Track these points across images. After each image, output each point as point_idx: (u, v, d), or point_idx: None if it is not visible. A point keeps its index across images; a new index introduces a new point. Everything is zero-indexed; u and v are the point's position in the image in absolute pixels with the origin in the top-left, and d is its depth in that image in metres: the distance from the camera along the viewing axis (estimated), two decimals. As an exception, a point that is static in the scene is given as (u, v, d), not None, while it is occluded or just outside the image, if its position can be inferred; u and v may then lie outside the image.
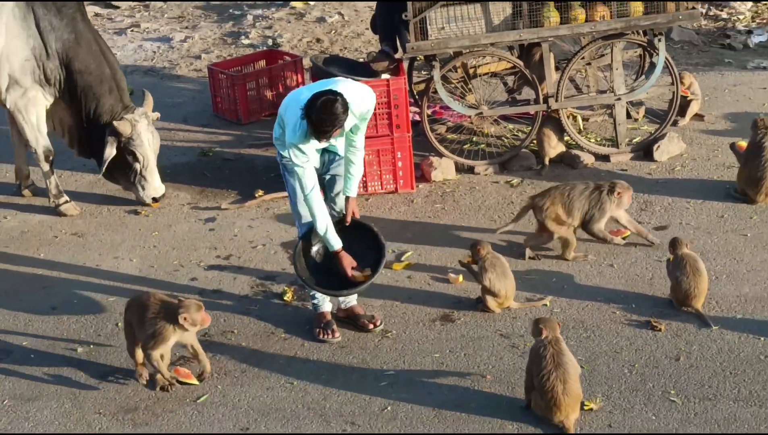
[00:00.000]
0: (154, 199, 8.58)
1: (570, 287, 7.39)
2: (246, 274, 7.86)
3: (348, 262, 6.75)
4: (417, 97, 9.32)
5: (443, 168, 9.05)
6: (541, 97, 9.02)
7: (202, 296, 7.57)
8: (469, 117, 9.33)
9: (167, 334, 6.21)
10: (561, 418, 5.87)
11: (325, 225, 6.66)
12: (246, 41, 12.32)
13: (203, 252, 8.17)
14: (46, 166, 8.72)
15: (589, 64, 9.41)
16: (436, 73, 8.94)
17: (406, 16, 8.67)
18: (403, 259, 7.86)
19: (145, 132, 8.34)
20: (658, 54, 9.01)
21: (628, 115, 9.36)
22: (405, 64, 9.28)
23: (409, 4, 8.59)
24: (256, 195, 8.90)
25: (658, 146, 9.14)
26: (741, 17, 12.23)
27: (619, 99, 9.12)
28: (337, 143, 6.83)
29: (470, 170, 9.11)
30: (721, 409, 6.13)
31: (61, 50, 8.37)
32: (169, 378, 6.43)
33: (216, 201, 8.88)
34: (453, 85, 9.35)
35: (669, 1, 8.81)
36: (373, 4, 10.30)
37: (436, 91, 9.02)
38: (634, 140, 9.27)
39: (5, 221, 8.82)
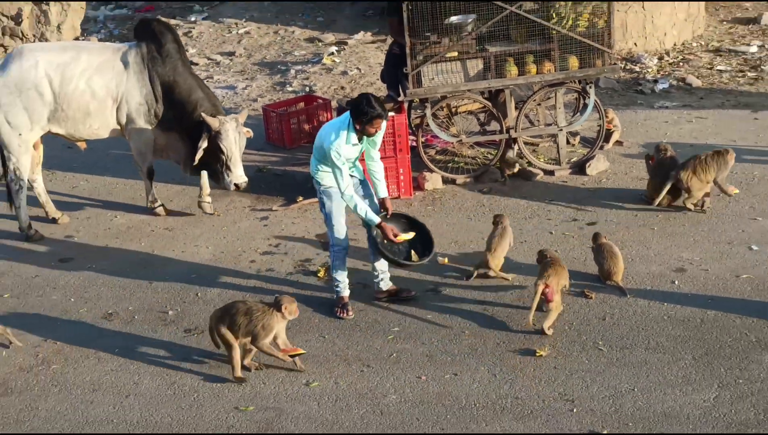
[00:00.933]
0: (236, 187, 8.17)
1: (528, 267, 7.38)
2: (290, 258, 7.87)
3: (389, 229, 6.74)
4: (414, 128, 9.32)
5: (433, 180, 9.06)
6: (504, 129, 9.02)
7: (258, 273, 7.62)
8: (452, 143, 9.33)
9: (273, 324, 6.01)
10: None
11: (364, 209, 6.65)
12: (290, 88, 12.32)
13: (259, 242, 8.18)
14: (147, 181, 8.65)
15: (539, 104, 9.43)
16: (428, 111, 8.95)
17: (406, 70, 8.70)
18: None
19: (232, 130, 8.01)
20: (589, 97, 9.02)
21: (568, 142, 9.35)
22: (405, 105, 9.28)
23: (408, 61, 8.61)
24: (298, 200, 8.90)
25: (590, 164, 9.12)
26: (649, 70, 12.21)
27: (561, 130, 9.10)
28: (357, 160, 6.84)
29: (453, 182, 9.10)
30: (636, 355, 6.15)
31: (165, 90, 8.24)
32: (282, 356, 6.18)
33: (268, 204, 8.90)
34: (440, 120, 9.36)
35: (597, 59, 8.83)
36: (382, 61, 10.31)
37: (428, 124, 9.04)
38: (572, 160, 9.24)
39: (116, 219, 8.85)
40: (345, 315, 6.93)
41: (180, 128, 8.33)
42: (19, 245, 8.38)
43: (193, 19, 15.89)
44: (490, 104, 9.08)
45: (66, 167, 10.20)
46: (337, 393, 5.96)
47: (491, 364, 6.16)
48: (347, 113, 6.66)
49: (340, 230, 6.88)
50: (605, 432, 5.40)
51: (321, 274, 7.53)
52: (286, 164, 9.91)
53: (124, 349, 6.61)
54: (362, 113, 6.47)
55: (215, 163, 8.15)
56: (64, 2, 14.88)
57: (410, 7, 8.42)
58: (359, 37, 14.18)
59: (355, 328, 6.70)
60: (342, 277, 6.94)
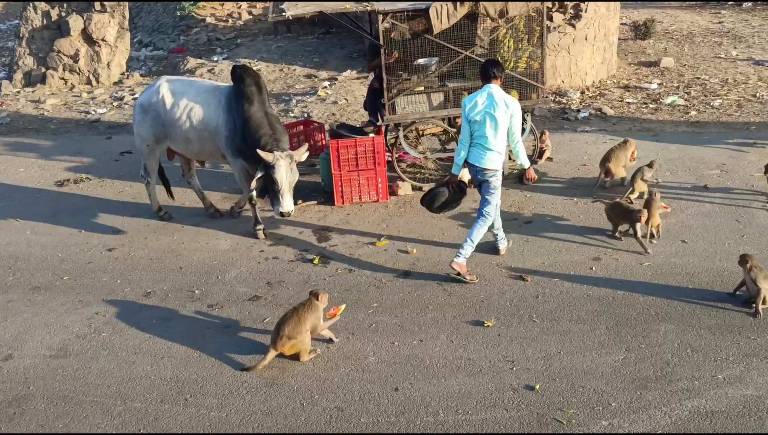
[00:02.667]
0: (281, 214, 7.59)
1: (478, 256, 7.39)
2: (292, 248, 7.84)
3: (453, 179, 7.18)
4: (389, 147, 9.32)
5: (405, 188, 9.04)
6: (460, 147, 9.04)
7: (266, 261, 7.59)
8: (420, 158, 9.34)
9: (320, 313, 5.91)
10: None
11: (460, 158, 7.00)
12: (292, 114, 12.27)
13: (269, 235, 8.15)
14: (248, 205, 8.26)
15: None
16: (401, 134, 8.95)
17: (383, 101, 8.69)
18: (381, 240, 7.81)
19: (284, 166, 7.47)
20: (527, 123, 9.05)
21: (510, 158, 9.37)
22: (383, 128, 9.28)
23: (385, 94, 8.61)
24: (298, 203, 8.84)
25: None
26: (573, 102, 12.27)
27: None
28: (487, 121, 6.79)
29: (420, 189, 9.05)
30: (562, 325, 6.17)
31: (243, 126, 7.75)
32: (331, 323, 6.11)
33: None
34: (410, 140, 9.36)
35: (533, 93, 8.85)
36: (365, 93, 10.29)
37: (401, 144, 9.03)
38: (513, 171, 9.28)
39: (153, 218, 8.78)
40: (473, 279, 6.90)
41: (250, 155, 7.74)
42: (75, 238, 8.30)
43: (215, 59, 15.81)
44: (450, 128, 9.10)
45: (114, 175, 10.12)
46: (328, 355, 5.95)
47: (449, 332, 6.16)
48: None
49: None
50: (538, 386, 5.43)
51: (315, 261, 7.50)
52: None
53: (160, 321, 6.57)
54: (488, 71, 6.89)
55: (270, 191, 7.71)
56: (112, 45, 14.77)
57: (387, 52, 8.42)
58: (347, 74, 14.16)
59: (342, 304, 6.67)
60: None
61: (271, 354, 5.79)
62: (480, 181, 7.04)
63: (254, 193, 7.89)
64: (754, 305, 6.18)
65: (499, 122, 6.78)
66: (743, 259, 6.30)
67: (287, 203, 7.55)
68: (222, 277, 7.29)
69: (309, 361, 5.85)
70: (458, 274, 6.85)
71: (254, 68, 14.78)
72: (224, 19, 18.74)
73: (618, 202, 7.76)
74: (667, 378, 5.44)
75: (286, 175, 7.47)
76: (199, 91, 8.17)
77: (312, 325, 5.86)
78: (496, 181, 6.98)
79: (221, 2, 19.33)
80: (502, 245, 7.39)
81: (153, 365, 5.93)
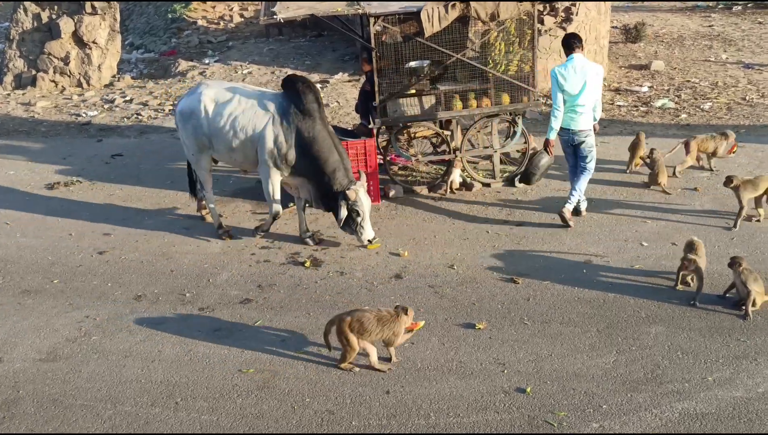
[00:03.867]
0: (369, 241, 7.58)
1: (470, 259, 7.41)
2: (283, 251, 7.82)
3: (549, 143, 7.96)
4: (381, 149, 9.32)
5: (396, 190, 9.05)
6: (452, 150, 9.06)
7: (258, 264, 7.57)
8: (411, 161, 9.35)
9: (401, 330, 5.73)
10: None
11: (557, 123, 7.79)
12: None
13: (258, 238, 8.13)
14: (271, 220, 8.01)
15: (479, 131, 9.45)
16: (392, 137, 8.96)
17: (375, 104, 8.70)
18: (374, 242, 7.75)
19: (364, 197, 7.44)
20: (518, 126, 9.07)
21: (501, 161, 9.39)
22: (374, 131, 9.28)
23: (377, 97, 8.61)
24: (289, 206, 8.85)
25: (518, 178, 9.18)
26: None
27: (496, 151, 9.16)
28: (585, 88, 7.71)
29: (412, 191, 9.10)
30: (553, 328, 6.18)
31: (303, 143, 7.51)
32: (408, 337, 5.94)
33: (266, 209, 8.79)
34: (402, 143, 9.37)
35: (524, 96, 8.88)
36: (357, 96, 10.29)
37: (392, 146, 9.04)
38: (504, 175, 9.29)
39: (145, 220, 8.74)
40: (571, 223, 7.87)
41: (311, 176, 7.60)
42: (65, 241, 8.27)
43: (207, 61, 15.80)
44: (441, 131, 9.11)
45: (104, 178, 10.07)
46: (320, 358, 5.94)
47: (441, 335, 6.16)
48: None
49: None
50: (529, 388, 5.43)
51: (307, 264, 7.49)
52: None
53: (151, 324, 6.55)
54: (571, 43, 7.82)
55: (351, 223, 7.54)
56: (103, 47, 14.73)
57: (378, 54, 8.43)
58: (339, 76, 14.17)
59: (334, 307, 6.66)
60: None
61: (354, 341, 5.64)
62: (577, 143, 7.86)
63: (280, 210, 7.92)
64: (743, 307, 6.21)
65: (589, 86, 7.71)
66: (734, 262, 6.33)
67: (370, 230, 7.60)
68: (213, 280, 7.27)
69: (302, 364, 5.84)
70: (565, 219, 7.83)
71: (245, 70, 14.84)
72: (216, 21, 18.72)
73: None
74: (658, 380, 5.46)
75: (368, 205, 7.53)
76: (244, 97, 7.79)
77: (387, 338, 5.70)
78: (591, 139, 7.85)
79: (213, 4, 19.32)
80: (584, 206, 8.23)
81: (143, 368, 5.91)
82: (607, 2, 14.14)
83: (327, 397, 5.47)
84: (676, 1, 20.02)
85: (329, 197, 7.61)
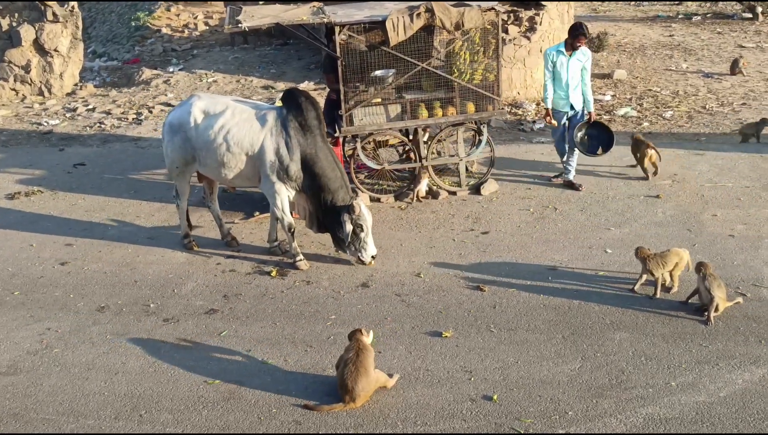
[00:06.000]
0: (373, 258, 7.46)
1: (436, 267, 7.44)
2: (249, 260, 7.77)
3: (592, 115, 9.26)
4: (347, 158, 9.31)
5: (363, 199, 9.01)
6: (419, 159, 9.09)
7: (223, 274, 7.51)
8: (377, 170, 9.35)
9: (371, 348, 5.52)
10: None
11: (550, 97, 9.06)
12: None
13: (224, 248, 8.05)
14: (289, 235, 7.59)
15: (444, 140, 9.48)
16: (358, 145, 8.96)
17: (340, 112, 8.70)
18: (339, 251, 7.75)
19: (367, 212, 7.32)
20: (483, 134, 9.14)
21: (467, 169, 9.44)
22: (340, 140, 9.26)
23: (342, 105, 8.61)
24: (255, 215, 8.82)
25: (484, 186, 9.24)
26: (529, 114, 12.40)
27: (461, 159, 9.21)
28: (572, 72, 8.96)
29: (378, 200, 9.10)
30: (519, 335, 6.23)
31: (305, 159, 7.34)
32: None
33: (231, 218, 8.77)
34: (368, 151, 9.37)
35: (489, 105, 8.94)
36: (322, 104, 10.25)
37: (358, 155, 9.03)
38: (470, 183, 9.34)
39: (108, 230, 8.62)
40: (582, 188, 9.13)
41: (313, 193, 7.44)
42: (26, 252, 8.13)
43: (171, 69, 15.69)
44: (407, 139, 9.13)
45: (66, 188, 9.92)
46: (286, 368, 5.91)
47: (408, 343, 6.17)
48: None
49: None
50: (495, 396, 5.46)
51: (273, 273, 7.45)
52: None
53: (114, 336, 6.46)
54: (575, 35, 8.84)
55: (354, 241, 7.37)
56: (65, 55, 14.54)
57: (344, 63, 8.44)
58: (304, 85, 14.13)
59: (301, 316, 6.66)
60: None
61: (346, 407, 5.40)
62: (572, 116, 9.20)
63: (293, 221, 7.60)
64: (706, 313, 6.31)
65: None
66: (699, 268, 6.43)
67: (373, 245, 7.45)
68: (178, 291, 7.20)
69: (268, 375, 5.80)
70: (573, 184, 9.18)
71: (210, 79, 14.75)
72: (180, 29, 18.60)
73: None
74: (622, 386, 5.52)
75: (371, 220, 7.40)
76: (238, 111, 7.57)
77: (374, 364, 5.50)
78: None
79: (177, 12, 19.19)
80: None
81: (107, 381, 5.83)
82: (570, 12, 14.32)
83: (293, 407, 5.44)
84: None
85: (330, 215, 7.43)
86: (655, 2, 21.79)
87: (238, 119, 7.50)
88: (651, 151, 9.34)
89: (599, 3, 22.41)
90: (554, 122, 9.21)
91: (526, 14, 13.28)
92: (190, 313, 6.78)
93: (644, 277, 6.80)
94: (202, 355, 6.11)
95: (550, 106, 9.15)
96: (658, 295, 6.67)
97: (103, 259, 7.93)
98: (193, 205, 8.66)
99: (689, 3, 21.76)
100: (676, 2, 21.91)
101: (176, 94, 14.13)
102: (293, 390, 5.63)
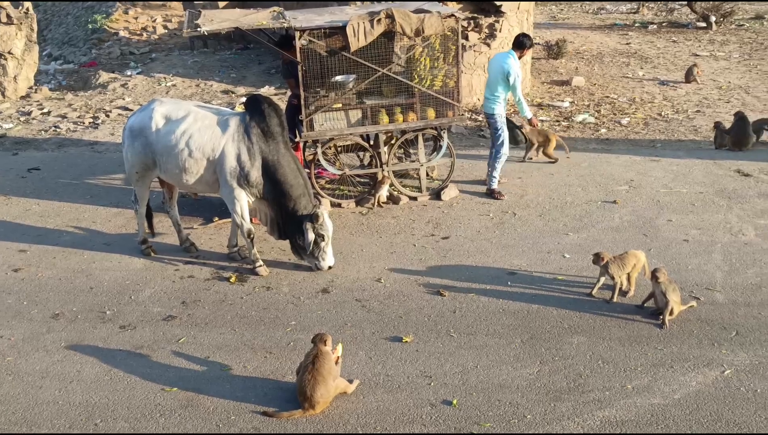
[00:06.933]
0: (330, 268, 7.44)
1: (397, 272, 7.46)
2: (208, 266, 7.71)
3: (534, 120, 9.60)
4: (308, 163, 9.29)
5: (324, 204, 9.01)
6: (380, 164, 9.11)
7: (182, 280, 7.44)
8: (338, 175, 9.35)
9: (332, 356, 5.51)
10: None
11: (526, 108, 9.24)
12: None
13: (183, 253, 7.98)
14: (248, 241, 7.50)
15: (406, 145, 9.50)
16: (319, 150, 8.95)
17: (301, 117, 8.68)
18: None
19: (328, 220, 7.37)
20: (443, 140, 9.19)
21: (428, 175, 9.49)
22: (301, 145, 9.24)
23: (303, 110, 8.60)
24: (214, 220, 8.76)
25: (444, 192, 9.29)
26: (490, 119, 12.50)
27: (422, 165, 9.25)
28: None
29: (339, 205, 9.10)
30: (478, 340, 6.26)
31: (266, 166, 7.27)
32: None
33: (190, 223, 8.69)
34: (329, 157, 9.36)
35: (449, 111, 9.00)
36: (283, 109, 10.22)
37: (319, 160, 9.02)
38: (431, 188, 9.38)
39: (62, 236, 8.48)
40: (502, 197, 9.20)
41: (275, 201, 7.38)
42: (-20, 258, 7.98)
43: (129, 73, 15.51)
44: (367, 144, 9.15)
45: (20, 193, 9.74)
46: (246, 375, 5.88)
47: (368, 349, 6.17)
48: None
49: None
50: (455, 401, 5.48)
51: (232, 279, 7.40)
52: (205, 191, 9.70)
53: (69, 344, 6.35)
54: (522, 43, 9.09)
55: (313, 249, 7.33)
56: (19, 58, 14.29)
57: (304, 68, 8.43)
58: (265, 90, 14.08)
59: (260, 322, 6.62)
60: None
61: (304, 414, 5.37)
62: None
63: (252, 227, 7.50)
64: (661, 317, 6.42)
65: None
66: (654, 272, 6.54)
67: (332, 257, 7.46)
68: (135, 297, 7.11)
69: (227, 382, 5.76)
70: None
71: (169, 83, 14.61)
72: (138, 32, 18.39)
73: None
74: (580, 389, 5.59)
75: (332, 229, 7.38)
76: (200, 116, 7.48)
77: (334, 373, 5.45)
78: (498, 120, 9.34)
79: (135, 15, 18.98)
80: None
81: (61, 390, 5.73)
82: (529, 19, 14.49)
83: (253, 414, 5.41)
84: None
85: (292, 223, 7.39)
86: (614, 2, 22.16)
87: (200, 124, 7.43)
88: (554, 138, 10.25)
89: (558, 11, 22.72)
90: (537, 122, 9.89)
91: (486, 21, 13.42)
92: (148, 319, 6.70)
93: (602, 280, 6.90)
94: (160, 363, 6.03)
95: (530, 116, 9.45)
96: (615, 299, 6.78)
97: (58, 265, 7.80)
98: (153, 210, 8.55)
99: (645, 12, 22.19)
100: (633, 11, 22.33)
101: (134, 98, 13.97)
102: (252, 397, 5.59)
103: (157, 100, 7.81)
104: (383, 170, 9.07)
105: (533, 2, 15.13)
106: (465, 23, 13.16)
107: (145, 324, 6.63)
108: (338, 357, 5.64)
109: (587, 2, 24.06)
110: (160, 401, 5.56)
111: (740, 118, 10.87)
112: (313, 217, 7.23)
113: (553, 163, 10.27)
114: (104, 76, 15.19)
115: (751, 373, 5.72)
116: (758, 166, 10.10)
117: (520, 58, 9.14)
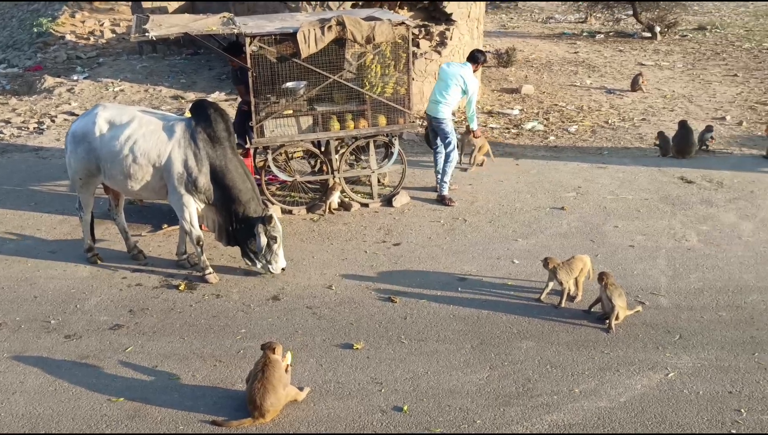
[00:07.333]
0: (282, 270, 7.41)
1: (348, 279, 7.46)
2: (157, 274, 7.61)
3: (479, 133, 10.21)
4: (258, 169, 9.24)
5: (274, 211, 8.94)
6: (331, 171, 9.10)
7: (129, 288, 7.33)
8: (289, 181, 9.31)
9: (281, 364, 5.47)
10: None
11: (476, 120, 9.74)
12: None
13: (131, 261, 7.85)
14: (198, 249, 7.41)
15: (357, 151, 9.52)
16: (269, 156, 8.91)
17: (251, 123, 8.63)
18: (249, 265, 7.67)
19: (278, 222, 7.28)
20: (394, 147, 9.23)
21: (379, 181, 9.51)
22: (251, 151, 9.19)
23: (254, 117, 8.56)
24: (163, 227, 8.65)
25: (396, 198, 9.32)
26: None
27: (373, 171, 9.28)
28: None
29: (290, 212, 9.06)
30: (429, 346, 6.29)
31: (214, 171, 7.20)
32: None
33: (139, 231, 8.58)
34: (279, 163, 9.33)
35: (400, 118, 9.04)
36: (233, 115, 10.17)
37: (270, 167, 8.98)
38: (382, 195, 9.41)
39: (5, 244, 8.28)
40: (453, 204, 9.29)
41: (221, 205, 7.31)
42: None
43: (75, 78, 15.22)
44: (318, 151, 9.13)
45: (-39, 200, 9.51)
46: (195, 384, 5.81)
47: (318, 356, 6.16)
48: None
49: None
50: (406, 407, 5.50)
51: (181, 287, 7.32)
52: (153, 198, 9.58)
53: (12, 354, 6.20)
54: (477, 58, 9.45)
55: (264, 253, 7.30)
56: (-39, 61, 13.94)
57: (254, 75, 8.39)
58: (215, 95, 13.96)
59: (210, 330, 6.55)
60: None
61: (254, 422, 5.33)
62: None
63: (201, 234, 7.40)
64: (607, 321, 6.54)
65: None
66: (601, 277, 6.66)
67: (283, 259, 7.41)
68: (81, 306, 6.98)
69: (176, 391, 5.68)
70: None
71: (117, 88, 14.38)
72: (85, 36, 18.07)
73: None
74: (529, 394, 5.66)
75: (281, 230, 7.35)
76: (145, 121, 7.37)
77: (284, 381, 5.42)
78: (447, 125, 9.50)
79: (82, 18, 18.65)
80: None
81: (3, 401, 5.59)
82: (480, 27, 14.65)
83: (201, 423, 5.35)
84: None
85: (241, 227, 7.33)
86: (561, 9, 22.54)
87: (144, 130, 7.32)
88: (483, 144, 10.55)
89: (508, 19, 23.02)
90: (480, 133, 10.28)
91: (436, 29, 13.53)
92: (94, 329, 6.58)
93: (550, 285, 7.00)
94: (106, 373, 5.93)
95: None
96: (563, 304, 6.88)
97: (1, 273, 7.61)
98: (98, 217, 8.42)
99: (593, 21, 22.62)
100: (581, 21, 22.74)
101: (81, 103, 13.72)
102: (201, 406, 5.53)
103: (101, 105, 7.68)
104: (334, 177, 9.07)
105: (484, 11, 15.29)
106: (416, 31, 13.25)
107: (91, 333, 6.51)
108: (288, 365, 5.61)
109: (536, 11, 24.42)
110: (106, 412, 5.47)
111: (683, 126, 11.15)
112: (266, 220, 7.20)
113: (480, 166, 10.59)
114: (50, 81, 14.89)
115: (694, 376, 5.86)
116: (701, 173, 10.37)
117: (474, 72, 9.29)
